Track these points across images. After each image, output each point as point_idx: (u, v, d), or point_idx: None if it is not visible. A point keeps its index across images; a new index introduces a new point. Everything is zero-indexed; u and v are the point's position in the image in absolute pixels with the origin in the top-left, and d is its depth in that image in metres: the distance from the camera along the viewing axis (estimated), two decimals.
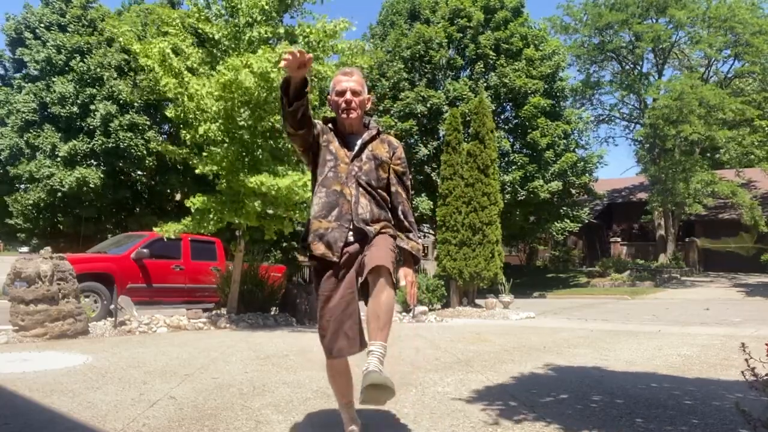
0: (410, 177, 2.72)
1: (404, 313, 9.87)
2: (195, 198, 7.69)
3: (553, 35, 23.10)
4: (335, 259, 2.37)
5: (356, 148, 2.51)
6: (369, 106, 2.61)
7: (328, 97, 2.59)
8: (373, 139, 2.57)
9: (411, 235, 2.54)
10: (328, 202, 2.43)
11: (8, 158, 15.89)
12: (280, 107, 8.44)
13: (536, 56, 19.08)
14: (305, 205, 7.58)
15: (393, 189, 2.57)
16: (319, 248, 2.40)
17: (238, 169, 7.64)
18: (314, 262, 2.47)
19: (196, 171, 7.84)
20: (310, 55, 2.24)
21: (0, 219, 16.84)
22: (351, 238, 2.41)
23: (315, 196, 2.48)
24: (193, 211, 7.73)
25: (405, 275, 2.46)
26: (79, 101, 15.38)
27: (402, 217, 2.55)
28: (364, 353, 2.32)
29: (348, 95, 2.49)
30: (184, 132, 8.13)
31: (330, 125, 2.59)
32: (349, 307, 2.37)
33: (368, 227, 2.42)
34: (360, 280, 2.41)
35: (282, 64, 2.20)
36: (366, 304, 2.34)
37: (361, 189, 2.46)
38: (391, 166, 2.57)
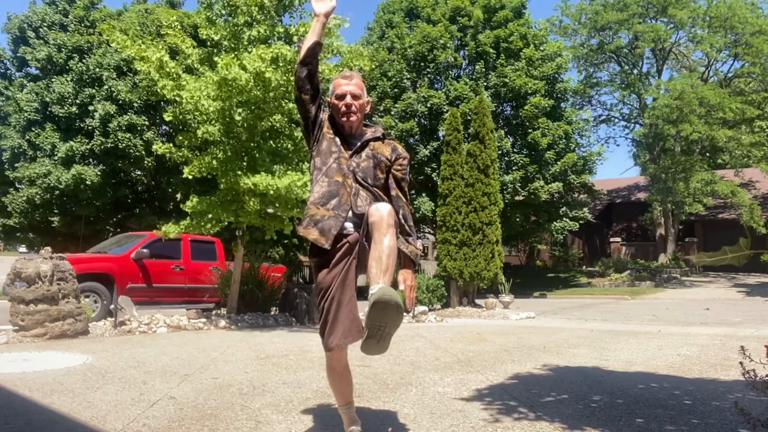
0: (409, 182, 2.72)
1: (404, 314, 9.86)
2: (189, 201, 7.67)
3: (555, 39, 23.06)
4: (327, 246, 2.39)
5: (357, 145, 2.54)
6: (368, 109, 2.62)
7: (328, 99, 2.60)
8: (377, 139, 2.59)
9: (410, 239, 2.55)
10: (329, 191, 2.45)
11: (10, 159, 15.89)
12: (278, 107, 8.38)
13: (536, 56, 19.07)
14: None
15: (393, 193, 2.58)
16: (312, 233, 2.42)
17: (236, 169, 7.63)
18: (315, 259, 2.48)
19: (184, 174, 7.74)
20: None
21: None
22: (350, 229, 2.42)
23: (317, 183, 2.49)
24: (190, 212, 7.72)
25: (404, 279, 2.46)
26: (78, 101, 15.40)
27: (403, 221, 2.56)
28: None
29: (348, 99, 2.50)
30: (181, 138, 8.09)
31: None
32: (347, 299, 2.38)
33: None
34: (358, 273, 2.43)
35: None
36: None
37: (358, 184, 2.48)
38: (392, 169, 2.59)
